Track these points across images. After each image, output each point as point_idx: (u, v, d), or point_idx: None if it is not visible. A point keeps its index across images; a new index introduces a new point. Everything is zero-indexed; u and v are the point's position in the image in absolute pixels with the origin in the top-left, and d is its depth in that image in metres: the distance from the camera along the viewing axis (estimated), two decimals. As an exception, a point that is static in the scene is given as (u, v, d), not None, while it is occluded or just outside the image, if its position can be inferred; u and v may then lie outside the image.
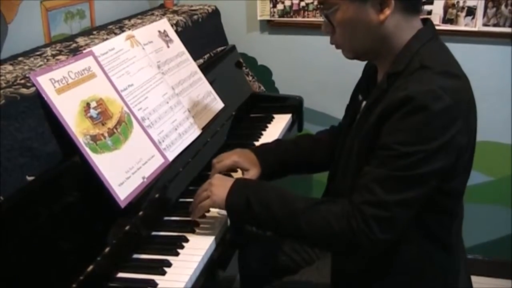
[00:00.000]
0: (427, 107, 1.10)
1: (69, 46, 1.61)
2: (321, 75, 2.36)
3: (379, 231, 1.15)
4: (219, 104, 1.84)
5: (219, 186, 1.34)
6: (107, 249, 1.23)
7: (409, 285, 1.28)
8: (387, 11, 1.17)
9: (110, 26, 1.90)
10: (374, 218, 1.14)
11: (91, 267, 1.17)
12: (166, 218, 1.44)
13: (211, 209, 1.46)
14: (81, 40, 1.68)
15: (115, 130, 1.34)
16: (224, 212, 1.40)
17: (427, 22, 1.26)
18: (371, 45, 1.23)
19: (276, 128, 2.04)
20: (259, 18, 2.35)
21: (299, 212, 1.23)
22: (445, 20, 2.17)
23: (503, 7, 2.10)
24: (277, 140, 1.71)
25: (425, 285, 1.29)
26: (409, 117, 1.11)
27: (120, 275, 1.23)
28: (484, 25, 2.14)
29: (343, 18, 1.21)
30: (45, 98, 1.21)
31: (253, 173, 1.50)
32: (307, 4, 2.26)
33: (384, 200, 1.14)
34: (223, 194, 1.31)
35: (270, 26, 2.38)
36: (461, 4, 2.14)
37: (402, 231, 1.19)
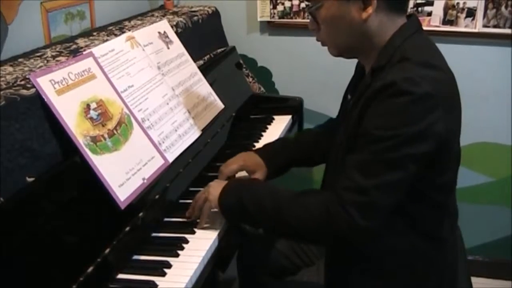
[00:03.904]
0: (404, 92, 1.11)
1: (69, 47, 1.61)
2: (321, 76, 2.37)
3: (359, 217, 1.14)
4: (219, 105, 1.84)
5: (214, 187, 1.38)
6: (107, 250, 1.22)
7: (401, 280, 1.28)
8: (370, 10, 1.19)
9: (110, 27, 1.90)
10: (353, 203, 1.15)
11: (91, 268, 1.17)
12: (166, 219, 1.44)
13: (211, 211, 1.46)
14: (81, 41, 1.68)
15: (115, 131, 1.34)
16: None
17: (411, 16, 1.27)
18: (354, 43, 1.25)
19: (276, 129, 2.04)
20: (259, 19, 2.35)
21: (284, 204, 1.25)
22: (445, 21, 2.17)
23: (503, 8, 2.10)
24: (278, 140, 1.72)
25: (418, 281, 1.29)
26: (386, 102, 1.13)
27: (120, 276, 1.23)
28: (484, 26, 2.14)
29: (326, 15, 1.24)
30: (45, 99, 1.21)
31: (259, 174, 1.53)
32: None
33: (361, 184, 1.14)
34: (217, 194, 1.35)
35: (270, 27, 2.38)
36: (461, 5, 2.14)
37: (384, 220, 1.18)
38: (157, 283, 1.20)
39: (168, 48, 1.74)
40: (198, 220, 1.41)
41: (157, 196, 1.42)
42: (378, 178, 1.14)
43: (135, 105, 1.46)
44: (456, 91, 1.23)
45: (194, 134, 1.64)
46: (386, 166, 1.14)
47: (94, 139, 1.27)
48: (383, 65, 1.20)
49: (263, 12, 2.34)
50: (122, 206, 1.27)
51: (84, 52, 1.41)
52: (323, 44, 1.31)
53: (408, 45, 1.21)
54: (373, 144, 1.14)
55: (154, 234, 1.38)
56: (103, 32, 1.81)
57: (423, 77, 1.13)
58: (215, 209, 1.39)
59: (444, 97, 1.16)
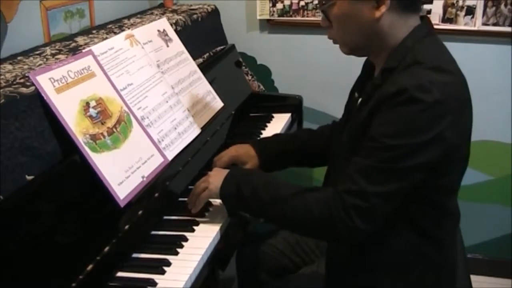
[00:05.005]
0: (415, 100, 1.11)
1: (69, 45, 1.61)
2: (320, 74, 2.36)
3: (359, 221, 1.15)
4: (218, 104, 1.84)
5: (215, 176, 1.39)
6: (106, 249, 1.22)
7: (399, 279, 1.28)
8: (383, 9, 1.19)
9: (109, 25, 1.90)
10: (353, 207, 1.15)
11: (90, 266, 1.17)
12: (165, 217, 1.44)
13: (211, 209, 1.47)
14: (80, 39, 1.68)
15: (114, 130, 1.34)
16: (224, 210, 1.41)
17: (423, 19, 1.27)
18: (365, 41, 1.25)
19: (275, 127, 2.04)
20: (258, 17, 2.35)
21: (284, 198, 1.25)
22: (445, 19, 2.17)
23: (502, 6, 2.10)
24: (276, 134, 1.73)
25: (416, 280, 1.28)
26: (397, 109, 1.13)
27: (120, 274, 1.23)
28: (484, 24, 2.14)
29: (338, 13, 1.23)
30: (45, 98, 1.21)
31: (251, 166, 1.55)
32: (307, 4, 2.26)
33: (365, 190, 1.15)
34: (218, 183, 1.35)
35: (270, 26, 2.38)
36: (460, 3, 2.14)
37: (383, 223, 1.19)
38: (157, 281, 1.20)
39: (168, 46, 1.74)
40: (197, 217, 1.41)
41: (156, 194, 1.42)
42: (383, 186, 1.14)
43: (135, 103, 1.46)
44: (466, 93, 1.23)
45: (193, 132, 1.64)
46: (393, 175, 1.14)
47: (94, 138, 1.27)
48: (394, 67, 1.20)
49: (263, 10, 2.34)
50: (122, 204, 1.27)
51: (83, 50, 1.41)
52: (334, 42, 1.30)
53: (420, 47, 1.20)
54: (381, 151, 1.14)
55: (153, 232, 1.38)
56: (103, 30, 1.81)
57: (433, 82, 1.12)
58: (216, 204, 1.38)
59: (454, 101, 1.15)
